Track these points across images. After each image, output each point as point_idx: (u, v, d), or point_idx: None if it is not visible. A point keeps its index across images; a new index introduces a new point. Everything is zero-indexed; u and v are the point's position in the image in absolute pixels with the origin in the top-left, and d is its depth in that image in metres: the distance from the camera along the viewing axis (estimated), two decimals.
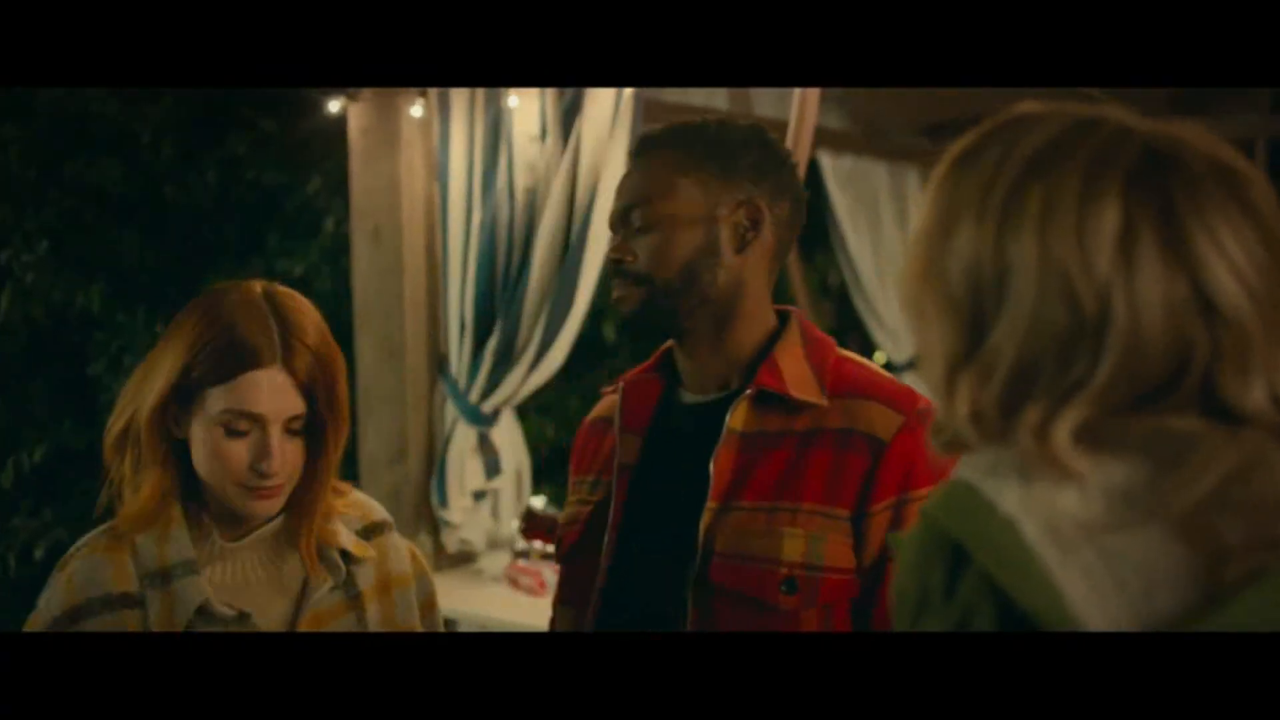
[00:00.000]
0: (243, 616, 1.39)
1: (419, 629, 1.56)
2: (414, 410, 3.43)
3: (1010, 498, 0.72)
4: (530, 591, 3.16)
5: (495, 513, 3.59)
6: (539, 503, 3.41)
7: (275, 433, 1.36)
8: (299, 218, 4.84)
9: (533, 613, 3.00)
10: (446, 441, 3.40)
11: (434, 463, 3.45)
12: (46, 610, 1.38)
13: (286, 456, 1.38)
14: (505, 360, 3.31)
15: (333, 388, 1.41)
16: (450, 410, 3.42)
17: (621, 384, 1.55)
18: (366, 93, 3.36)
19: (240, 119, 4.72)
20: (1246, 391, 0.73)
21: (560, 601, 1.58)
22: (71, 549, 1.43)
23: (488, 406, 3.38)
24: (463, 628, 3.13)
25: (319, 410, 1.40)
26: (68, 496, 4.61)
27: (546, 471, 4.63)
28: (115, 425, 1.41)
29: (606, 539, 1.47)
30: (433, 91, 3.35)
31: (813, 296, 5.02)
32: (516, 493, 3.63)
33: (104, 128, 4.57)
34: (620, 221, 1.47)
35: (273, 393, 1.35)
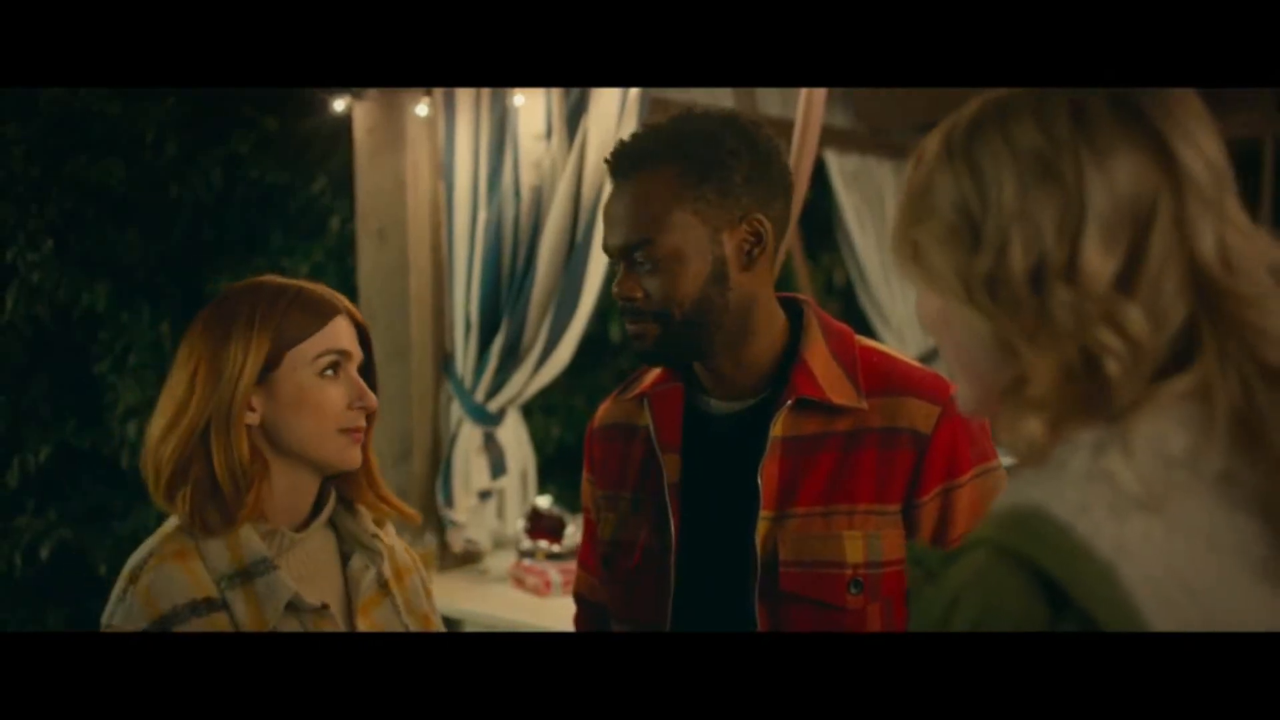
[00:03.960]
0: (323, 608, 1.42)
1: (434, 616, 1.60)
2: (419, 409, 3.42)
3: (1105, 541, 0.72)
4: (535, 591, 3.15)
5: (500, 512, 3.59)
6: (544, 502, 3.41)
7: (355, 373, 1.46)
8: (303, 217, 4.83)
9: (538, 612, 2.99)
10: (452, 441, 3.40)
11: (439, 462, 3.44)
12: (128, 625, 1.36)
13: None
14: (511, 359, 3.30)
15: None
16: (455, 409, 3.41)
17: (647, 398, 1.53)
18: (371, 91, 3.36)
19: (244, 118, 4.71)
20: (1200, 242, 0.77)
21: (620, 620, 1.58)
22: (135, 562, 1.41)
23: (493, 405, 3.37)
24: (467, 627, 3.13)
25: (370, 360, 1.51)
26: (72, 496, 4.61)
27: (552, 471, 4.62)
28: (175, 440, 1.39)
29: (671, 561, 1.47)
30: (438, 90, 3.35)
31: (818, 295, 5.02)
32: (522, 492, 3.62)
33: (107, 126, 4.57)
34: (621, 255, 1.43)
35: (350, 335, 1.46)
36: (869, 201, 4.71)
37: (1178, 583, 0.72)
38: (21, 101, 4.47)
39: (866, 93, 4.36)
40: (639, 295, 1.41)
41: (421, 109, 3.32)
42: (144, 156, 4.62)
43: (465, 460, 3.39)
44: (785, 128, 2.70)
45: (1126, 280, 0.76)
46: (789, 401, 1.41)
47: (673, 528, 1.47)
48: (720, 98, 3.74)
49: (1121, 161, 0.77)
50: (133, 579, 1.39)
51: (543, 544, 3.27)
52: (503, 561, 3.43)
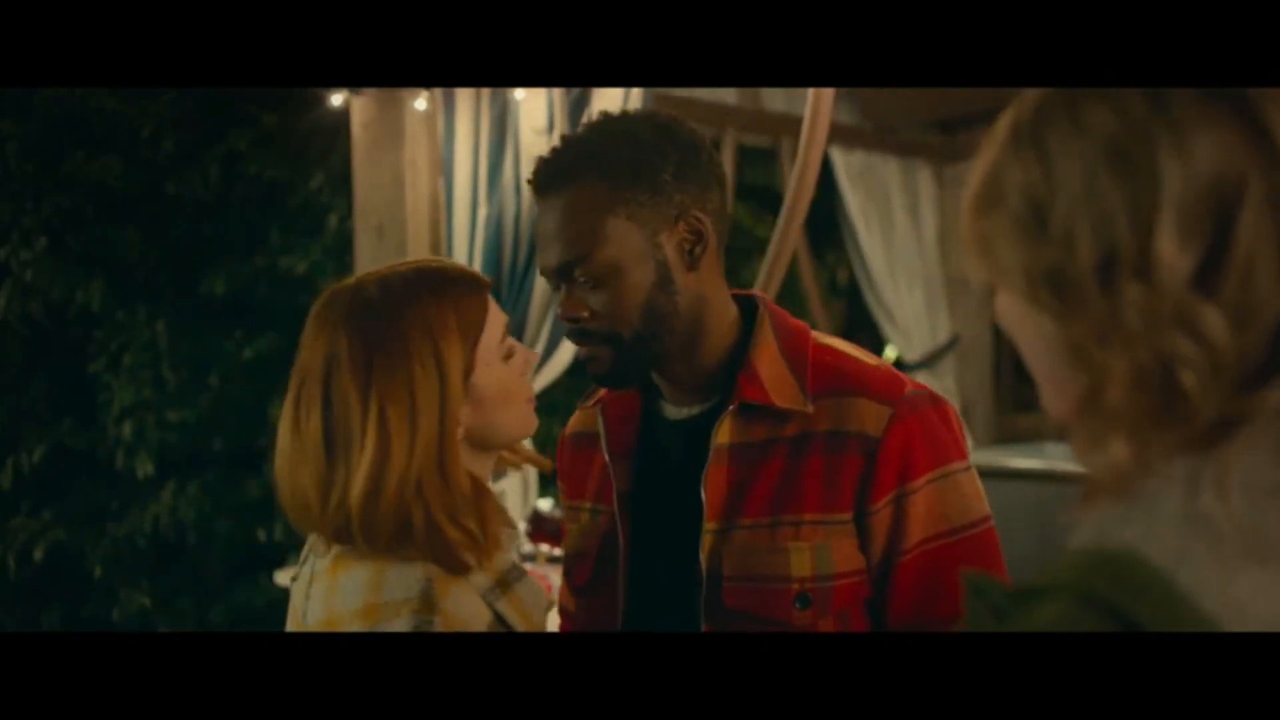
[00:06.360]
0: (548, 605, 1.35)
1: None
2: None
3: (1210, 593, 0.65)
4: None
5: None
6: (546, 505, 3.36)
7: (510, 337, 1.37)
8: (302, 214, 4.80)
9: None
10: None
11: None
12: None
13: None
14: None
15: None
16: None
17: (602, 404, 1.48)
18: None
19: (242, 114, 4.68)
20: None
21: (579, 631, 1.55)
22: (414, 587, 1.23)
23: None
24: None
25: None
26: (67, 496, 4.58)
27: (554, 473, 4.58)
28: (386, 499, 1.21)
29: (620, 571, 1.42)
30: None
31: (823, 294, 4.97)
32: (523, 495, 3.58)
33: (104, 123, 4.54)
34: (560, 276, 1.36)
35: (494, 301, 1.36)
36: (874, 199, 4.66)
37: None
38: (17, 97, 4.44)
39: (872, 90, 4.32)
40: (585, 314, 1.34)
41: (420, 103, 3.28)
42: (142, 153, 4.59)
43: None
44: (790, 124, 2.65)
45: (1209, 275, 0.68)
46: (732, 407, 1.35)
47: (621, 539, 1.41)
48: (724, 93, 3.70)
49: (1202, 139, 0.69)
50: (428, 607, 1.22)
51: (544, 548, 3.23)
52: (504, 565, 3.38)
